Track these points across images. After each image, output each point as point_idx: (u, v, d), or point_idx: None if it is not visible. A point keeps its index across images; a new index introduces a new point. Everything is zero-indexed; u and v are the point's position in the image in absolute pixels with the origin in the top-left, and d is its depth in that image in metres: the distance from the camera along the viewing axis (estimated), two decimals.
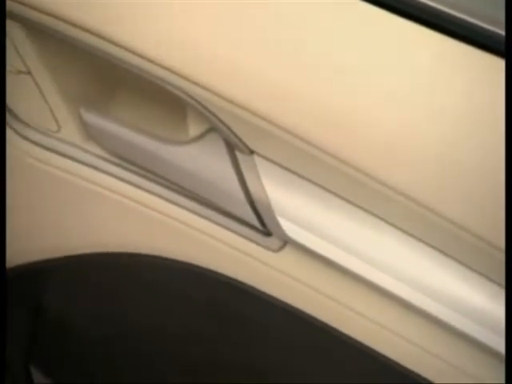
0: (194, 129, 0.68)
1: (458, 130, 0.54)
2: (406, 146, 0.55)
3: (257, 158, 0.64)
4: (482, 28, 0.55)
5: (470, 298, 0.60)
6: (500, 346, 0.60)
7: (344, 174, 0.58)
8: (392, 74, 0.55)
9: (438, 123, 0.54)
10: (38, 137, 0.75)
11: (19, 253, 0.82)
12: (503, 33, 0.55)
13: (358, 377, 0.71)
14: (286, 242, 0.66)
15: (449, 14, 0.56)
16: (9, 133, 0.74)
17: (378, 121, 0.55)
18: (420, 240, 0.61)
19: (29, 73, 0.71)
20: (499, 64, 0.54)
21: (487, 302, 0.60)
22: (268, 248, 0.67)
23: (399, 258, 0.62)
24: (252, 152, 0.64)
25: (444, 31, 0.55)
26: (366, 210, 0.62)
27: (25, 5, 0.62)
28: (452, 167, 0.54)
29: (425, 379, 0.64)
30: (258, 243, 0.67)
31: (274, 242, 0.67)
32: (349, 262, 0.63)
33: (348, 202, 0.62)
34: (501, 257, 0.54)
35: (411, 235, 0.61)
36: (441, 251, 0.61)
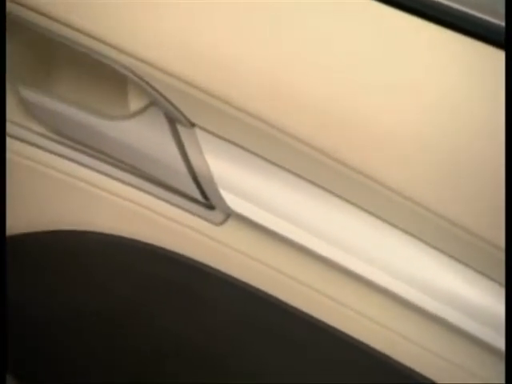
0: (134, 103, 0.67)
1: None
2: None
3: (198, 131, 0.64)
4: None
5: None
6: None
7: (288, 146, 0.58)
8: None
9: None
10: None
11: None
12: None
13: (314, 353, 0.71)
14: (229, 214, 0.67)
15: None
16: None
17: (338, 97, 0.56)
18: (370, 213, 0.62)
19: None
20: (499, 56, 0.54)
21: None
22: (211, 221, 0.67)
23: (348, 231, 0.63)
24: (193, 125, 0.64)
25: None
26: (315, 184, 0.62)
27: None
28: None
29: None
30: (200, 217, 0.67)
31: (217, 215, 0.67)
32: (294, 233, 0.64)
33: (294, 174, 0.62)
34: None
35: (358, 206, 0.62)
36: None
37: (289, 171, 0.62)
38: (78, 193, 0.71)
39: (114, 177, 0.70)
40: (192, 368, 0.77)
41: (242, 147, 0.63)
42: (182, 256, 0.68)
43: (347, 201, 0.62)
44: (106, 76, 0.67)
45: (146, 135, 0.66)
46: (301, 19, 0.57)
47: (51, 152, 0.71)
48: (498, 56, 0.54)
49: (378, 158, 0.56)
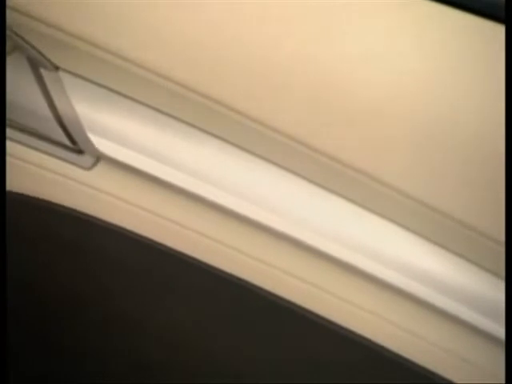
0: None
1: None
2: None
3: (62, 74, 0.63)
4: None
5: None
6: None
7: (152, 83, 0.59)
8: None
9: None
10: None
11: None
12: None
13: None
14: (99, 158, 0.66)
15: None
16: None
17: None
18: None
19: None
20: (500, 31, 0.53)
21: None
22: (81, 166, 0.67)
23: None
24: (57, 68, 0.63)
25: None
26: (187, 123, 0.63)
27: None
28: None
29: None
30: (70, 162, 0.67)
31: (86, 159, 0.67)
32: (167, 173, 0.64)
33: (163, 113, 0.63)
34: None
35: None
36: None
37: (157, 110, 0.63)
38: None
39: None
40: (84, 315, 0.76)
41: (108, 88, 0.63)
42: (54, 203, 0.68)
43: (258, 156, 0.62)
44: None
45: (8, 81, 0.65)
46: None
47: None
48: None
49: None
